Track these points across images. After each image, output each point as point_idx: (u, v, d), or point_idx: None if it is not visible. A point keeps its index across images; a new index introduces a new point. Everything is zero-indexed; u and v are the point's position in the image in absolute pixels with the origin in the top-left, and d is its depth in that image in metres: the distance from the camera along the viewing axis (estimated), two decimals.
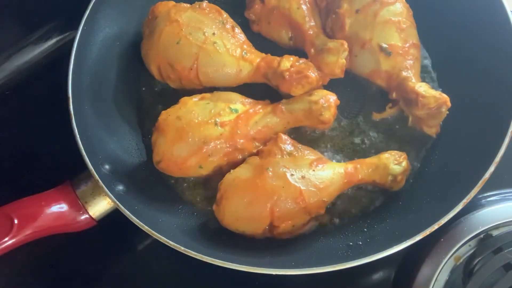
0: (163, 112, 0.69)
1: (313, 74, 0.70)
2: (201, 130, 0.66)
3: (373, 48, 0.71)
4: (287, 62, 0.70)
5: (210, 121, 0.67)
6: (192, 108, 0.69)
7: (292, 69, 0.69)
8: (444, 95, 0.68)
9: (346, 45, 0.70)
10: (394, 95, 0.72)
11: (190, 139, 0.66)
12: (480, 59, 0.71)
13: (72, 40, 0.72)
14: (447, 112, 0.69)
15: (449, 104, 0.68)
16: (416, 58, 0.72)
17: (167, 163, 0.68)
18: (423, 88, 0.68)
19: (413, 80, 0.70)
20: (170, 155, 0.67)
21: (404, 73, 0.70)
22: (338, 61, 0.71)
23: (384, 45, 0.70)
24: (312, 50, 0.73)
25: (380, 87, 0.75)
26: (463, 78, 0.74)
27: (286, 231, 0.65)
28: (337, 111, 0.72)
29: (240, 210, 0.64)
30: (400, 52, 0.70)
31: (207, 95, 0.71)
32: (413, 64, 0.71)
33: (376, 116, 0.75)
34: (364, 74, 0.74)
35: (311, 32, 0.74)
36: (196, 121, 0.67)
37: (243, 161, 0.69)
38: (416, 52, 0.72)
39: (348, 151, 0.74)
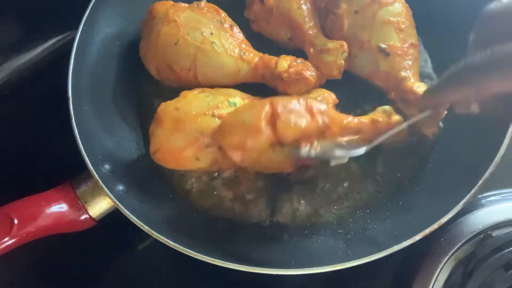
0: (162, 103, 0.69)
1: (311, 74, 0.70)
2: (198, 121, 0.66)
3: (371, 49, 0.71)
4: (285, 62, 0.70)
5: (207, 113, 0.67)
6: (191, 100, 0.69)
7: (291, 70, 0.69)
8: None
9: (345, 46, 0.71)
10: (392, 95, 0.72)
11: (187, 130, 0.66)
12: None
13: (72, 40, 0.72)
14: (446, 112, 0.69)
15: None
16: (415, 58, 0.72)
17: (164, 153, 0.68)
18: (421, 88, 0.68)
19: (412, 80, 0.70)
20: (167, 145, 0.67)
21: (402, 74, 0.70)
22: (336, 62, 0.71)
23: (383, 46, 0.70)
24: (312, 50, 0.73)
25: (379, 87, 0.74)
26: None
27: None
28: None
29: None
30: (399, 52, 0.70)
31: (208, 89, 0.72)
32: (412, 64, 0.71)
33: None
34: (363, 75, 0.74)
35: (311, 32, 0.74)
36: (194, 112, 0.67)
37: None
38: (415, 52, 0.72)
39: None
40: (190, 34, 0.71)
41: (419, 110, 0.65)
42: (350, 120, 0.65)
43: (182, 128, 0.66)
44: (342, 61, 0.71)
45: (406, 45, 0.71)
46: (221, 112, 0.67)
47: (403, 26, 0.71)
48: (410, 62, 0.70)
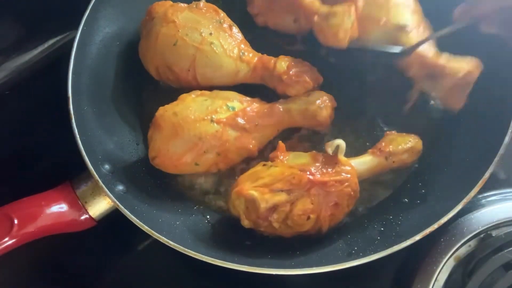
0: (160, 108, 0.69)
1: (310, 73, 0.70)
2: (197, 127, 0.66)
3: (388, 28, 0.70)
4: (283, 62, 0.70)
5: (206, 118, 0.67)
6: (190, 104, 0.68)
7: (291, 72, 0.69)
8: (472, 61, 0.66)
9: (353, 10, 0.68)
10: (411, 73, 0.70)
11: (185, 135, 0.66)
12: (480, 59, 0.71)
13: (72, 40, 0.72)
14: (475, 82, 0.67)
15: (479, 70, 0.66)
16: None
17: (163, 159, 0.68)
18: (445, 59, 0.67)
19: (434, 52, 0.68)
20: (166, 151, 0.67)
21: (422, 49, 0.68)
22: (342, 24, 0.68)
23: (401, 23, 0.69)
24: (316, 18, 0.71)
25: (379, 81, 0.75)
26: None
27: None
28: (333, 112, 0.72)
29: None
30: (415, 29, 0.69)
31: (206, 92, 0.72)
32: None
33: (407, 108, 0.73)
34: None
35: (313, 4, 0.72)
36: (193, 117, 0.67)
37: None
38: (428, 28, 0.71)
39: (347, 152, 0.74)
40: (189, 35, 0.71)
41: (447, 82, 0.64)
42: None
43: (181, 133, 0.66)
44: (349, 24, 0.68)
45: (421, 26, 0.70)
46: (220, 117, 0.67)
47: (415, 8, 0.71)
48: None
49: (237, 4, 0.80)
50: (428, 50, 0.69)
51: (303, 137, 0.75)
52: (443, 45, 0.71)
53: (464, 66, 0.66)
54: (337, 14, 0.69)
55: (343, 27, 0.69)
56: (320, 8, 0.72)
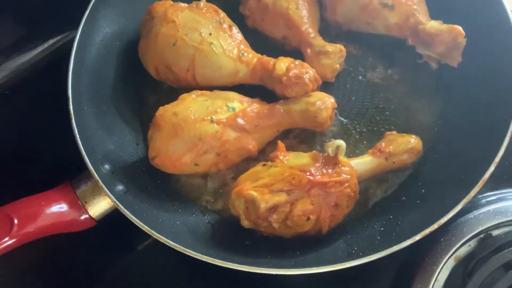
0: (160, 107, 0.69)
1: (309, 78, 0.70)
2: (197, 127, 0.66)
3: (376, 8, 0.73)
4: (282, 64, 0.70)
5: (206, 118, 0.67)
6: (190, 104, 0.68)
7: (291, 73, 0.69)
8: (455, 26, 0.69)
9: (344, 51, 0.72)
10: (410, 41, 0.74)
11: (185, 136, 0.66)
12: (480, 59, 0.71)
13: (72, 40, 0.72)
14: (466, 39, 0.70)
15: (463, 33, 0.69)
16: (420, 1, 0.74)
17: (163, 158, 0.68)
18: (434, 27, 0.71)
19: (423, 22, 0.72)
20: (166, 151, 0.67)
21: (412, 20, 0.72)
22: (332, 65, 0.72)
23: (385, 1, 0.72)
24: (309, 51, 0.73)
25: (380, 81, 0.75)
26: (463, 78, 0.73)
27: None
28: (334, 113, 0.72)
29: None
30: (403, 1, 0.72)
31: (207, 92, 0.71)
32: (418, 7, 0.73)
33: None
34: (380, 32, 0.76)
35: (309, 33, 0.74)
36: (193, 117, 0.67)
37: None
38: None
39: (346, 151, 0.74)
40: (188, 35, 0.71)
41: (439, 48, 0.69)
42: None
43: (181, 134, 0.66)
44: (338, 65, 0.72)
45: None
46: (220, 117, 0.67)
47: None
48: (415, 6, 0.73)
49: (237, 5, 0.80)
50: (418, 19, 0.72)
51: (303, 137, 0.75)
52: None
53: (450, 31, 0.69)
54: (329, 55, 0.73)
55: (332, 68, 0.73)
56: (314, 41, 0.74)
